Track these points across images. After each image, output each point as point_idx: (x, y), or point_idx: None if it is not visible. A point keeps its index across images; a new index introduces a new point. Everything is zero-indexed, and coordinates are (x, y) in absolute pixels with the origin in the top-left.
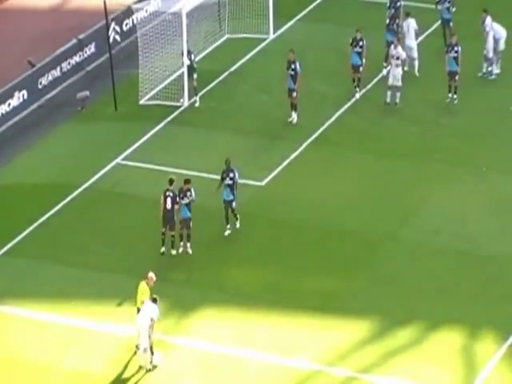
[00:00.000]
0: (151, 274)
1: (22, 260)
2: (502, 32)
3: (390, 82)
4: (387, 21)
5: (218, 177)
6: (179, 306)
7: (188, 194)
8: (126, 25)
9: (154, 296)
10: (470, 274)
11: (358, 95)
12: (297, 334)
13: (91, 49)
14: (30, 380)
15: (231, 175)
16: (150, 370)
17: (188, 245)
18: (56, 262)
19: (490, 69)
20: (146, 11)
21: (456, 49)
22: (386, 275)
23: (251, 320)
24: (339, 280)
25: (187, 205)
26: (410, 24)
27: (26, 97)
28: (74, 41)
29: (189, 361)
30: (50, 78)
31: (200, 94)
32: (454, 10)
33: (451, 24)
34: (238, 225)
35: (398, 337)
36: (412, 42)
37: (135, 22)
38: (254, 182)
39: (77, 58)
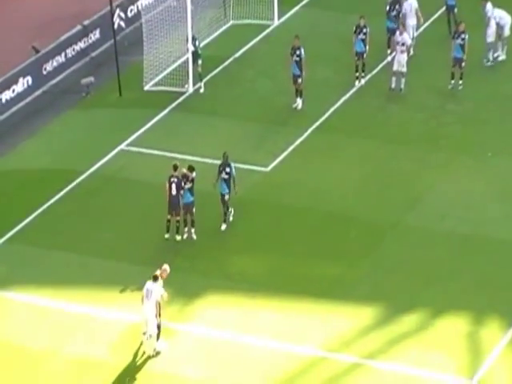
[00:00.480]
0: (166, 266)
1: (25, 247)
2: (506, 18)
3: (395, 67)
4: (387, 7)
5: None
6: (183, 292)
7: (190, 179)
8: (131, 11)
9: (156, 273)
10: (475, 260)
11: (363, 81)
12: (301, 320)
13: (96, 35)
14: (32, 366)
15: (227, 170)
16: (153, 356)
17: (192, 230)
18: (59, 248)
19: (495, 55)
20: None
21: (463, 36)
22: (391, 261)
23: (255, 306)
24: (343, 266)
25: (190, 190)
26: (412, 4)
27: (30, 83)
28: (79, 27)
29: (192, 347)
30: (55, 63)
31: (204, 80)
32: None
33: (455, 10)
34: (231, 218)
35: (403, 323)
36: (412, 20)
37: (140, 8)
38: (259, 168)
39: (81, 44)
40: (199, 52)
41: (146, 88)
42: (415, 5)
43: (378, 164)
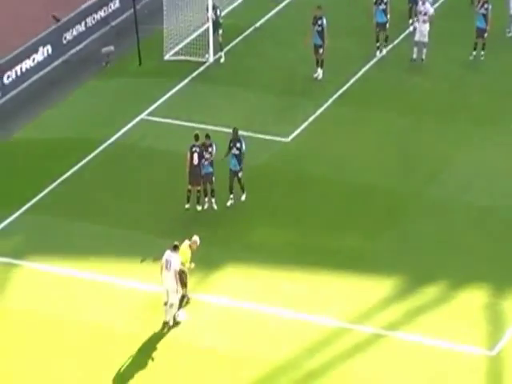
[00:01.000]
0: (196, 238)
1: (46, 217)
2: None
3: (417, 37)
4: None
5: (244, 133)
6: (203, 262)
7: (210, 149)
8: None
9: (175, 243)
10: (496, 232)
11: (384, 51)
12: (321, 291)
13: (116, 4)
14: (54, 334)
15: (238, 145)
16: (173, 327)
17: (213, 200)
18: (80, 218)
19: None
20: None
21: (486, 6)
22: (412, 232)
23: (275, 277)
24: (364, 237)
25: (209, 160)
26: None
27: (50, 52)
28: None
29: (212, 317)
30: (75, 33)
31: (225, 50)
32: None
33: None
34: (243, 197)
35: (424, 294)
36: None
37: None
38: (280, 138)
39: (101, 13)
40: (220, 21)
41: (166, 57)
42: None
43: (399, 135)
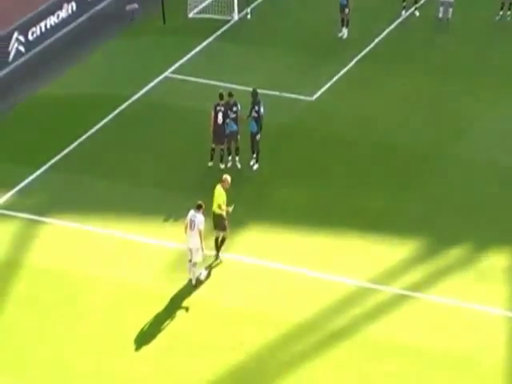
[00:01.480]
0: (226, 176)
1: (68, 174)
2: None
3: None
4: None
5: (268, 92)
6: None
7: (234, 108)
8: None
9: (199, 202)
10: None
11: (412, 10)
12: (345, 251)
13: None
14: (76, 292)
15: (256, 108)
16: (195, 285)
17: (237, 159)
18: (104, 176)
19: None
20: None
21: None
22: (437, 193)
23: (299, 236)
24: (389, 198)
25: (234, 119)
26: None
27: (74, 8)
28: None
29: (236, 276)
30: None
31: (251, 7)
32: None
33: None
34: (255, 167)
35: (449, 256)
36: None
37: None
38: (304, 97)
39: None
40: None
41: (191, 15)
42: None
43: (425, 95)
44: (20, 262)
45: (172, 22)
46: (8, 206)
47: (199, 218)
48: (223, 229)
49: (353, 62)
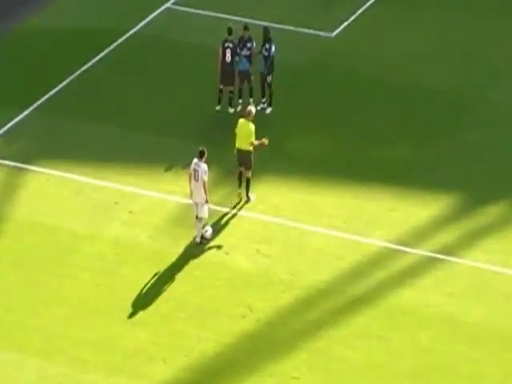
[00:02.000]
0: (250, 108)
1: (56, 117)
2: None
3: None
4: None
5: (284, 27)
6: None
7: (248, 44)
8: None
9: (201, 149)
10: None
11: None
12: (368, 207)
13: None
14: (69, 247)
15: (267, 46)
16: (201, 243)
17: (251, 101)
18: (96, 119)
19: None
20: None
21: None
22: (471, 142)
23: (319, 190)
24: (417, 147)
25: (247, 56)
26: None
27: None
28: None
29: (248, 234)
30: None
31: None
32: None
33: None
34: (268, 110)
35: (482, 214)
36: None
37: None
38: (324, 34)
39: None
40: None
41: None
42: None
43: (457, 33)
44: (5, 214)
45: None
46: None
47: (202, 167)
48: (250, 167)
49: None
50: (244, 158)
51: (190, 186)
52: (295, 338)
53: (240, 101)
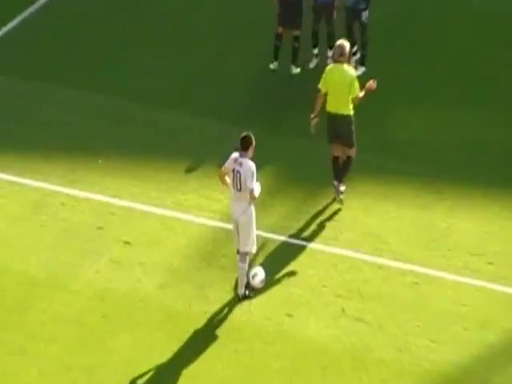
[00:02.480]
0: (341, 42)
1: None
2: None
3: None
4: None
5: None
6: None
7: None
8: None
9: (245, 134)
10: None
11: None
12: None
13: None
14: (20, 303)
15: None
16: (245, 298)
17: (329, 54)
18: (56, 78)
19: None
20: None
21: None
22: None
23: (442, 208)
24: None
25: None
26: None
27: None
28: None
29: (328, 278)
30: None
31: None
32: None
33: None
34: (360, 71)
35: None
36: None
37: None
38: None
39: None
40: None
41: None
42: None
43: None
44: None
45: None
46: None
47: (248, 166)
48: (353, 142)
49: None
50: (343, 127)
51: (231, 198)
52: None
53: (315, 53)
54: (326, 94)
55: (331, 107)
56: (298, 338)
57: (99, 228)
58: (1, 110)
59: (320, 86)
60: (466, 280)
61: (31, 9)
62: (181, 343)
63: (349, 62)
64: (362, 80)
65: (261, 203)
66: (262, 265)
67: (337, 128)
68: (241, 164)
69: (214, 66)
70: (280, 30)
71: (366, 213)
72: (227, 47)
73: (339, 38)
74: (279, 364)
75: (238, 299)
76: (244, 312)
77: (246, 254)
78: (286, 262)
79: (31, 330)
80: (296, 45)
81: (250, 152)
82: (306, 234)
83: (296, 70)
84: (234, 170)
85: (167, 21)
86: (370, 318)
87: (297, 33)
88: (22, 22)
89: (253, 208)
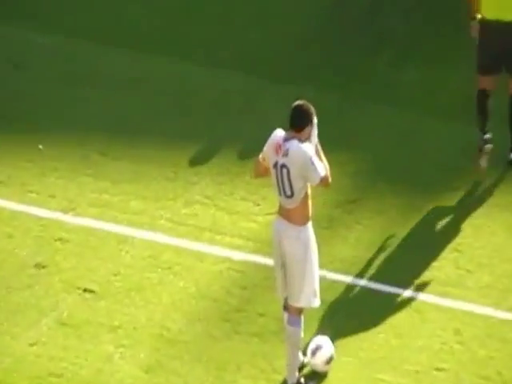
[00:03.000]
0: None
1: None
2: None
3: None
4: None
5: None
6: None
7: None
8: None
9: (298, 104)
10: None
11: None
12: None
13: None
14: None
15: None
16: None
17: None
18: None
19: None
20: None
21: None
22: None
23: None
24: None
25: None
26: None
27: None
28: None
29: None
30: None
31: None
32: None
33: None
34: None
35: None
36: None
37: None
38: None
39: None
40: None
41: None
42: None
43: None
44: None
45: None
46: None
47: (298, 154)
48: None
49: None
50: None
51: (281, 207)
52: None
53: None
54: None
55: (491, 11)
56: None
57: (38, 266)
58: None
59: None
60: None
61: None
62: None
63: None
64: None
65: (327, 217)
66: (331, 331)
67: (500, 45)
68: (287, 153)
69: None
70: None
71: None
72: None
73: None
74: None
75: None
76: None
77: (301, 311)
78: (375, 323)
79: None
80: None
81: (307, 133)
82: (405, 275)
83: None
84: (276, 165)
85: None
86: None
87: None
88: None
89: (310, 229)
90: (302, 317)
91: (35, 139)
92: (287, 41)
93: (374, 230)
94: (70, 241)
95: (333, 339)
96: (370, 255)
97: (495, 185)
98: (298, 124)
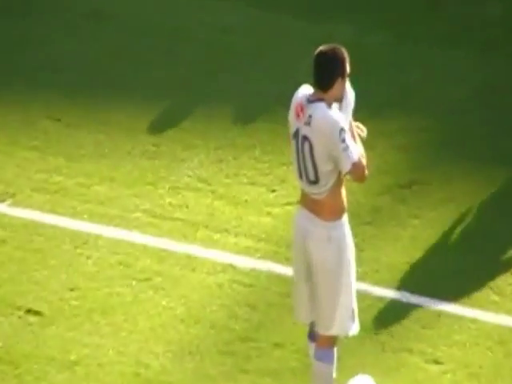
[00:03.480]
0: None
1: None
2: None
3: None
4: None
5: None
6: None
7: None
8: None
9: (323, 49)
10: None
11: None
12: None
13: None
14: None
15: None
16: None
17: None
18: None
19: None
20: None
21: None
22: None
23: None
24: None
25: None
26: None
27: None
28: None
29: None
30: None
31: None
32: None
33: None
34: None
35: None
36: None
37: None
38: None
39: None
40: None
41: None
42: None
43: None
44: None
45: None
46: None
47: (324, 123)
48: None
49: None
50: None
51: (304, 195)
52: None
53: None
54: None
55: None
56: None
57: None
58: None
59: None
60: None
61: None
62: None
63: None
64: None
65: (371, 209)
66: (375, 367)
67: None
68: (309, 122)
69: None
70: None
71: None
72: None
73: None
74: None
75: None
76: None
77: (333, 341)
78: (436, 356)
79: None
80: None
81: (337, 92)
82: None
83: None
84: (297, 134)
85: None
86: None
87: None
88: None
89: (347, 226)
90: (336, 349)
91: None
92: None
93: (434, 227)
94: (6, 241)
95: (379, 380)
96: (429, 261)
97: None
98: (322, 79)
